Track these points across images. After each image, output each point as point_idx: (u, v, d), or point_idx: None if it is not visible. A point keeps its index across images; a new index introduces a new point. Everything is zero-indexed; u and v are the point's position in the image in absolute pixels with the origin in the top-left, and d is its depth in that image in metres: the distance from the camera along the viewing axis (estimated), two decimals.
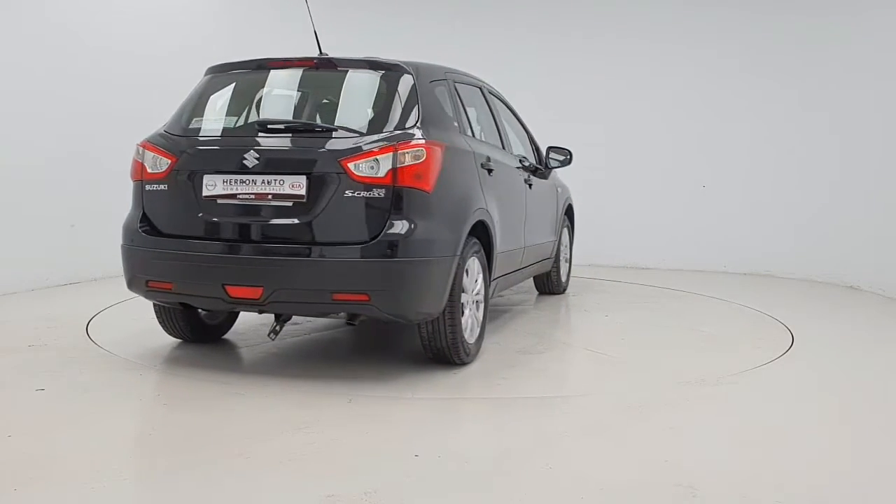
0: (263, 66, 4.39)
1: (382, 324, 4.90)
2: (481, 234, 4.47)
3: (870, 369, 4.69)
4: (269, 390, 3.93)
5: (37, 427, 3.37)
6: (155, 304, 4.51)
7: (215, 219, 4.01)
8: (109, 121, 6.77)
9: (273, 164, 3.95)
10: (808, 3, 8.09)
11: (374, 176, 3.81)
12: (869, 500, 2.85)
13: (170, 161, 4.14)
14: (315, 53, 4.52)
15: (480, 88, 5.35)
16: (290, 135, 4.11)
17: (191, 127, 4.30)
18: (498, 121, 5.41)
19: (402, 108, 4.06)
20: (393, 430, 3.42)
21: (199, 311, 4.61)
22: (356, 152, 3.85)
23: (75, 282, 6.70)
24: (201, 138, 4.27)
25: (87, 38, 6.80)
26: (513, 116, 5.98)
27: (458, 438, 3.34)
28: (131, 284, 4.27)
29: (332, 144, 3.93)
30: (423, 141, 3.93)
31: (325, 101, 4.42)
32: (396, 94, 4.12)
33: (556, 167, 6.23)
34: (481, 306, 4.51)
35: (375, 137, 3.92)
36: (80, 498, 2.70)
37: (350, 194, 3.82)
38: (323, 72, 4.34)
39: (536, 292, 6.90)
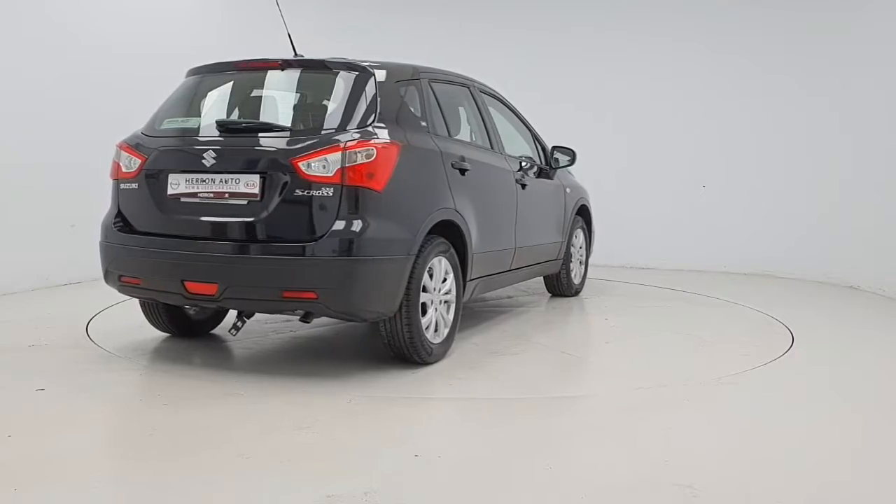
0: (234, 68, 4.48)
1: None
2: (451, 234, 4.48)
3: (870, 369, 4.69)
4: (269, 390, 3.93)
5: (37, 427, 3.37)
6: (140, 299, 4.65)
7: (178, 216, 4.13)
8: (110, 121, 6.74)
9: (229, 164, 4.04)
10: None
11: (324, 175, 3.86)
12: (869, 500, 2.84)
13: (140, 161, 4.28)
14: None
15: (469, 87, 5.34)
16: (246, 135, 4.16)
17: (162, 128, 4.42)
18: (487, 121, 5.38)
19: (359, 108, 4.10)
20: (393, 430, 3.42)
21: (186, 305, 4.66)
22: (307, 151, 3.91)
23: (75, 282, 6.70)
24: (169, 139, 4.36)
25: (87, 40, 6.80)
26: (514, 116, 5.97)
27: (459, 438, 3.34)
28: (106, 278, 4.41)
29: (285, 144, 4.00)
30: (375, 141, 3.96)
31: (286, 101, 4.46)
32: (355, 94, 4.15)
33: (559, 167, 6.19)
34: (452, 306, 4.53)
35: (327, 137, 3.97)
36: (79, 498, 2.70)
37: (300, 193, 3.89)
38: (288, 73, 4.40)
39: (549, 294, 6.82)
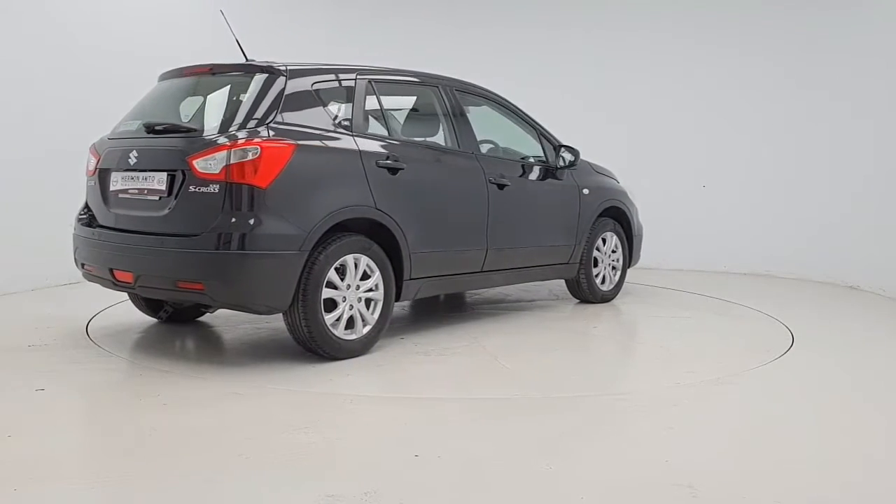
0: (180, 74, 4.80)
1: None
2: (377, 232, 4.57)
3: (870, 369, 4.69)
4: (269, 390, 3.93)
5: (37, 427, 3.37)
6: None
7: (114, 211, 4.56)
8: (110, 121, 6.75)
9: (147, 163, 4.40)
10: None
11: (212, 172, 4.10)
12: (869, 500, 2.84)
13: (95, 160, 4.75)
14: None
15: (438, 87, 5.36)
16: (162, 136, 4.45)
17: (119, 129, 4.80)
18: (455, 120, 5.35)
19: (259, 109, 4.27)
20: (393, 430, 3.42)
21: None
22: (200, 150, 4.15)
23: (75, 282, 6.69)
24: (116, 140, 4.71)
25: (88, 39, 6.80)
26: (515, 116, 5.89)
27: (459, 438, 3.34)
28: (76, 265, 4.89)
29: (186, 144, 4.26)
30: (260, 139, 4.12)
31: (209, 104, 4.66)
32: (260, 96, 4.33)
33: (564, 167, 5.99)
34: (378, 304, 4.58)
35: (219, 136, 4.18)
36: (79, 498, 2.70)
37: (194, 189, 4.14)
38: (217, 77, 4.68)
39: (576, 300, 6.52)
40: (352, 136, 4.56)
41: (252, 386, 3.98)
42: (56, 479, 2.82)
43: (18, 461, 2.97)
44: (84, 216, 4.83)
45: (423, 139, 5.46)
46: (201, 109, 4.63)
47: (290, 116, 4.31)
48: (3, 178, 6.21)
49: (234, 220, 4.05)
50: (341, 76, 4.75)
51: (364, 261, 4.49)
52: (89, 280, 4.82)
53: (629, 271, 6.92)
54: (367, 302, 4.56)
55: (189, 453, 3.09)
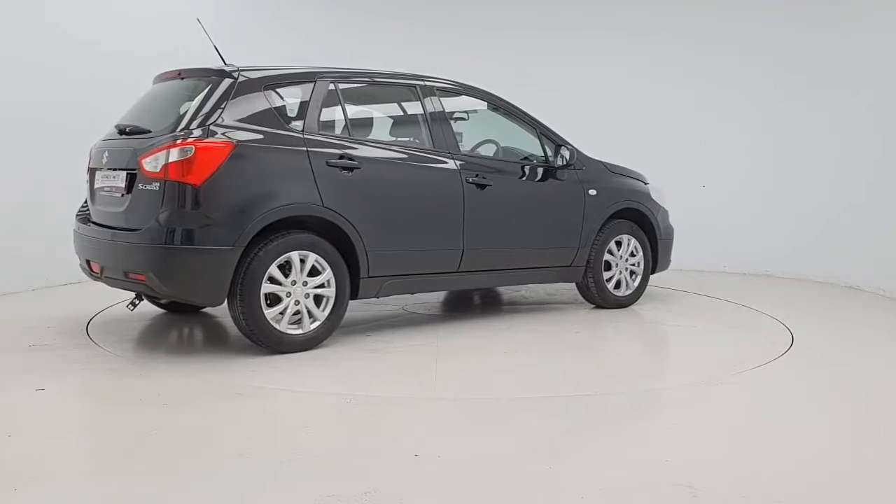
0: (162, 78, 5.11)
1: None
2: (332, 230, 4.67)
3: (870, 369, 4.69)
4: (269, 390, 3.93)
5: (37, 427, 3.38)
6: None
7: (96, 207, 4.93)
8: (109, 121, 6.75)
9: (114, 162, 4.76)
10: None
11: (154, 171, 4.36)
12: (869, 500, 2.84)
13: (88, 160, 5.13)
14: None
15: (415, 88, 5.39)
16: (127, 137, 4.77)
17: (109, 131, 5.06)
18: (431, 120, 5.35)
19: (204, 111, 4.48)
20: (393, 430, 3.42)
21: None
22: (147, 151, 4.43)
23: (75, 282, 6.70)
24: (104, 140, 5.04)
25: (88, 39, 6.80)
26: (514, 116, 5.85)
27: (459, 438, 3.34)
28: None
29: (139, 144, 4.55)
30: (195, 139, 4.32)
31: (167, 106, 4.87)
32: (207, 98, 4.55)
33: (561, 167, 5.84)
34: (330, 301, 4.68)
35: (164, 137, 4.43)
36: (79, 498, 2.70)
37: (142, 187, 4.45)
38: (185, 81, 4.92)
39: (592, 305, 6.30)
40: (301, 135, 4.67)
41: (252, 386, 3.98)
42: (56, 479, 2.82)
43: (18, 461, 2.97)
44: (80, 213, 5.16)
45: (394, 139, 5.49)
46: (162, 112, 4.84)
47: (236, 117, 4.49)
48: (3, 178, 6.21)
49: (169, 215, 4.28)
50: (299, 78, 4.88)
51: (312, 258, 4.59)
52: (83, 271, 5.10)
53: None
54: (319, 298, 4.66)
55: (189, 453, 3.09)
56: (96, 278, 4.88)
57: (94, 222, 4.90)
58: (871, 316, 6.36)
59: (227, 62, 4.87)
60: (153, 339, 5.03)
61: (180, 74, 4.93)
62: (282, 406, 3.70)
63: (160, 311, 5.75)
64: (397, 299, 6.27)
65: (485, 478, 2.90)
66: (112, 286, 4.81)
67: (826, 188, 7.92)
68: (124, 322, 5.37)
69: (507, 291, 6.98)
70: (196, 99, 4.60)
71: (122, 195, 4.58)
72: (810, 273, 8.01)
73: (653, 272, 6.54)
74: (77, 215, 5.16)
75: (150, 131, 4.62)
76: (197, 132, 4.35)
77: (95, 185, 4.93)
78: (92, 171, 5.01)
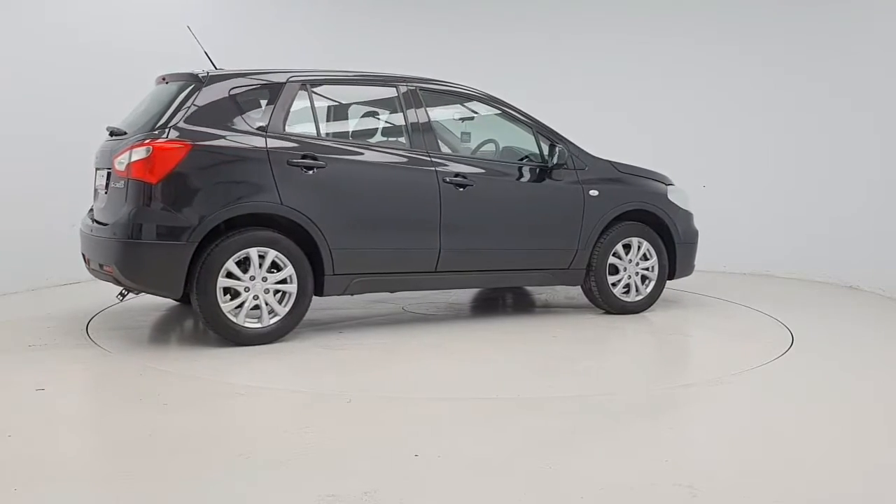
0: (156, 82, 5.31)
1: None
2: (294, 227, 4.78)
3: (870, 369, 4.69)
4: (269, 390, 3.93)
5: (37, 427, 3.37)
6: None
7: (94, 204, 5.18)
8: (110, 121, 6.76)
9: (101, 162, 5.10)
10: None
11: (121, 170, 4.66)
12: (869, 500, 2.85)
13: (94, 160, 5.34)
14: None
15: (396, 88, 5.38)
16: (111, 138, 5.07)
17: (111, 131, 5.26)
18: (411, 120, 5.34)
19: (168, 113, 4.73)
20: (393, 430, 3.42)
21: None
22: (118, 151, 4.74)
23: (75, 282, 6.70)
24: (105, 141, 5.24)
25: (88, 39, 6.80)
26: (511, 116, 5.78)
27: (458, 438, 3.34)
28: None
29: (114, 145, 4.88)
30: (153, 140, 4.58)
31: (149, 109, 5.04)
32: (173, 101, 4.81)
33: (553, 166, 5.67)
34: (291, 297, 4.78)
35: (133, 137, 4.71)
36: (79, 498, 2.70)
37: (113, 185, 4.78)
38: (168, 85, 5.12)
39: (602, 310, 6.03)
40: (263, 136, 4.80)
41: (252, 386, 3.99)
42: (56, 479, 2.82)
43: (18, 461, 2.97)
44: (91, 212, 5.31)
45: (368, 139, 5.51)
46: (144, 114, 5.01)
47: (198, 119, 4.70)
48: (3, 178, 6.21)
49: (130, 212, 4.56)
50: (267, 80, 5.02)
51: (272, 254, 4.72)
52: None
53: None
54: (282, 294, 4.78)
55: (189, 453, 3.09)
56: (91, 273, 5.12)
57: (93, 219, 5.12)
58: (871, 316, 6.36)
59: (216, 65, 5.08)
60: (153, 339, 5.03)
61: (164, 78, 5.18)
62: (282, 406, 3.70)
63: (160, 310, 5.75)
64: (397, 300, 6.27)
65: (485, 478, 2.90)
66: (98, 278, 5.04)
67: (826, 188, 7.91)
68: (124, 322, 5.38)
69: (535, 292, 6.88)
70: (168, 102, 4.83)
71: (105, 193, 4.91)
72: (810, 273, 8.01)
73: (671, 278, 6.21)
74: (88, 214, 5.34)
75: (124, 133, 4.90)
76: (162, 134, 4.61)
77: (95, 184, 5.22)
78: (95, 171, 5.30)
